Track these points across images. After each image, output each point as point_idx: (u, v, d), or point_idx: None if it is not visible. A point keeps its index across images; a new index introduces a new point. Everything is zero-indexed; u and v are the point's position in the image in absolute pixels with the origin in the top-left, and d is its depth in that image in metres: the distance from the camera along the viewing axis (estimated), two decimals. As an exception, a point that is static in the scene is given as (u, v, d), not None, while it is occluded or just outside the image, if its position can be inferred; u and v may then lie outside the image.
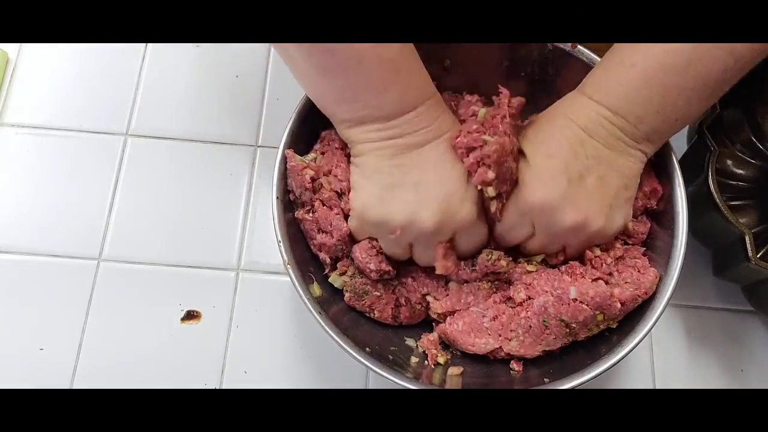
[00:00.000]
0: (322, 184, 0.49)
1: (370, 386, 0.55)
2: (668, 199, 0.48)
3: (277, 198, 0.48)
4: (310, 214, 0.49)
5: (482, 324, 0.48)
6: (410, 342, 0.51)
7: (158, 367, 0.55)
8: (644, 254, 0.49)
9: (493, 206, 0.46)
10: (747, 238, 0.48)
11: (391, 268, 0.48)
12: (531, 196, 0.44)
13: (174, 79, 0.65)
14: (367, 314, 0.50)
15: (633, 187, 0.47)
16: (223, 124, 0.63)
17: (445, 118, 0.45)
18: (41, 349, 0.55)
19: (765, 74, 0.57)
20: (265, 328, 0.56)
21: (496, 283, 0.49)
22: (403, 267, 0.50)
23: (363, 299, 0.49)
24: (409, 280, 0.50)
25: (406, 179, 0.44)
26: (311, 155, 0.50)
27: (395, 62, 0.42)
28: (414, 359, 0.49)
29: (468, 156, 0.44)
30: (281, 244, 0.47)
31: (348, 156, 0.48)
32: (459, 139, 0.45)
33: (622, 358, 0.44)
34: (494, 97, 0.49)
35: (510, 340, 0.48)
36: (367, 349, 0.46)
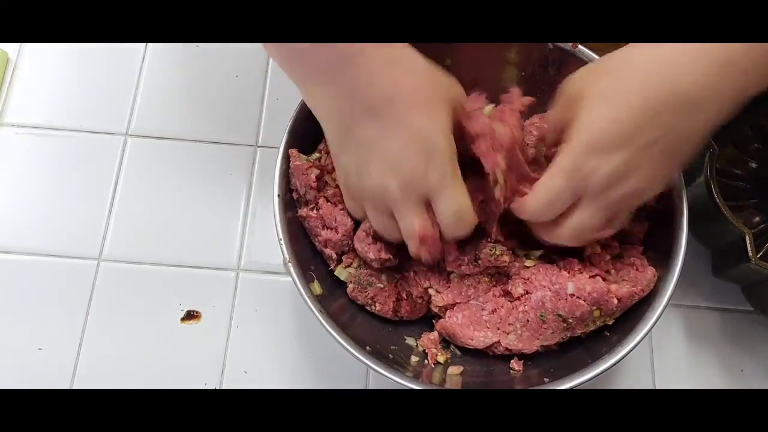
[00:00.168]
0: (326, 182, 0.49)
1: (370, 386, 0.55)
2: (668, 199, 0.48)
3: (278, 195, 0.48)
4: (315, 212, 0.49)
5: (481, 317, 0.49)
6: (410, 341, 0.51)
7: (158, 367, 0.55)
8: (643, 254, 0.49)
9: (498, 192, 0.45)
10: (747, 238, 0.48)
11: (390, 256, 0.48)
12: (582, 164, 0.40)
13: (174, 79, 0.65)
14: (369, 307, 0.50)
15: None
16: (223, 124, 0.63)
17: (400, 73, 0.42)
18: (40, 349, 0.55)
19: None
20: (265, 328, 0.56)
21: (496, 276, 0.50)
22: (406, 261, 0.50)
23: (366, 291, 0.49)
24: (412, 274, 0.51)
25: (374, 148, 0.42)
26: (315, 155, 0.50)
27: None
28: (414, 358, 0.49)
29: (479, 144, 0.44)
30: (282, 241, 0.47)
31: None
32: (468, 126, 0.44)
33: (622, 358, 0.44)
34: (503, 95, 0.49)
35: (508, 334, 0.48)
36: (367, 347, 0.46)
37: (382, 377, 0.44)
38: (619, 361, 0.44)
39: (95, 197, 0.60)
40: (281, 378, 0.55)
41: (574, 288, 0.46)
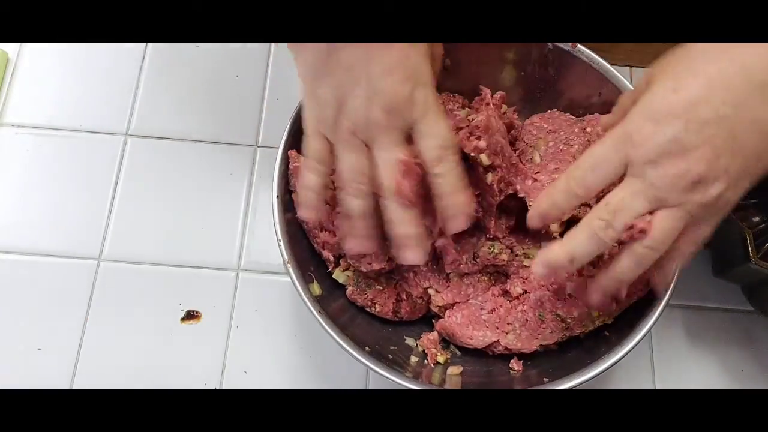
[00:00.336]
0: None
1: (370, 386, 0.55)
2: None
3: (278, 197, 0.48)
4: None
5: (480, 316, 0.49)
6: (410, 341, 0.51)
7: (158, 367, 0.55)
8: None
9: (489, 177, 0.46)
10: (747, 238, 0.48)
11: (383, 265, 0.48)
12: (633, 128, 0.37)
13: (174, 79, 0.65)
14: (368, 309, 0.50)
15: None
16: (223, 124, 0.63)
17: None
18: (39, 349, 0.55)
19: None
20: (265, 328, 0.56)
21: (494, 275, 0.50)
22: (405, 264, 0.50)
23: (365, 293, 0.50)
24: (411, 274, 0.51)
25: (350, 75, 0.40)
26: None
27: None
28: (414, 358, 0.49)
29: (458, 134, 0.45)
30: (281, 242, 0.47)
31: None
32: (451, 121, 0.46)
33: (622, 357, 0.44)
34: (477, 98, 0.51)
35: (507, 334, 0.48)
36: (367, 348, 0.46)
37: (381, 377, 0.44)
38: (618, 361, 0.44)
39: (95, 197, 0.60)
40: (281, 378, 0.55)
41: (573, 288, 0.46)
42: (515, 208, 0.49)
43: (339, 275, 0.50)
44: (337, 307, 0.49)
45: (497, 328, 0.48)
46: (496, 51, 0.54)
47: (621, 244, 0.39)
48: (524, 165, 0.50)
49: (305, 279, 0.47)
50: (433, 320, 0.52)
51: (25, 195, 0.60)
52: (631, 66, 0.66)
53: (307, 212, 0.45)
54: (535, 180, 0.49)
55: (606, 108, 0.52)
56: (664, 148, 0.36)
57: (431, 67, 0.42)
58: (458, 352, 0.51)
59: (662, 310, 0.45)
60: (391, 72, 0.39)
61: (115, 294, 0.57)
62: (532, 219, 0.42)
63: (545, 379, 0.45)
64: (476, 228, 0.50)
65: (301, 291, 0.46)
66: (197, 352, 0.55)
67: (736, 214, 0.50)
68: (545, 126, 0.53)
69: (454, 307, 0.50)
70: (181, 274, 0.58)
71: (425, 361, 0.49)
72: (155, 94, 0.64)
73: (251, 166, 0.62)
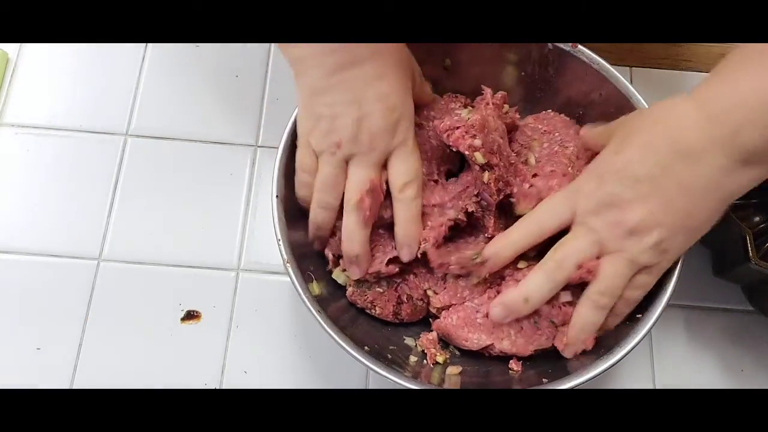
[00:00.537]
0: None
1: (370, 386, 0.55)
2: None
3: (277, 197, 0.48)
4: None
5: (475, 319, 0.49)
6: (409, 341, 0.51)
7: (158, 367, 0.55)
8: None
9: (486, 176, 0.46)
10: (747, 238, 0.48)
11: (379, 269, 0.48)
12: (581, 184, 0.44)
13: (174, 79, 0.65)
14: (368, 311, 0.50)
15: (699, 219, 0.42)
16: (223, 124, 0.63)
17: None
18: (38, 349, 0.55)
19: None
20: (265, 328, 0.56)
21: (490, 277, 0.49)
22: (406, 266, 0.50)
23: (365, 294, 0.50)
24: (411, 277, 0.51)
25: (346, 96, 0.44)
26: None
27: None
28: (413, 358, 0.49)
29: (454, 133, 0.46)
30: (281, 242, 0.47)
31: None
32: (443, 123, 0.46)
33: (622, 358, 0.44)
34: (478, 98, 0.51)
35: (502, 339, 0.48)
36: (366, 348, 0.46)
37: (381, 377, 0.44)
38: (619, 361, 0.44)
39: (95, 197, 0.60)
40: (281, 378, 0.55)
41: (570, 296, 0.46)
42: (511, 209, 0.49)
43: (338, 275, 0.50)
44: (336, 307, 0.49)
45: (492, 333, 0.48)
46: (496, 51, 0.54)
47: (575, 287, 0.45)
48: (522, 167, 0.50)
49: (305, 279, 0.47)
50: (430, 319, 0.52)
51: (25, 195, 0.60)
52: (631, 66, 0.66)
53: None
54: (532, 185, 0.48)
55: (606, 108, 0.52)
56: (603, 200, 0.43)
57: (412, 90, 0.47)
58: (457, 352, 0.50)
59: (662, 310, 0.45)
60: (383, 99, 0.44)
61: (115, 294, 0.57)
62: (492, 261, 0.47)
63: (544, 380, 0.45)
64: (474, 228, 0.50)
65: (301, 291, 0.46)
66: (197, 352, 0.55)
67: (736, 214, 0.50)
68: (540, 127, 0.53)
69: (450, 309, 0.50)
70: (181, 274, 0.58)
71: (424, 361, 0.49)
72: (155, 94, 0.64)
73: (251, 166, 0.62)
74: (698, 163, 0.40)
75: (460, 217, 0.48)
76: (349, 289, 0.50)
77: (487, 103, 0.48)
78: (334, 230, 0.49)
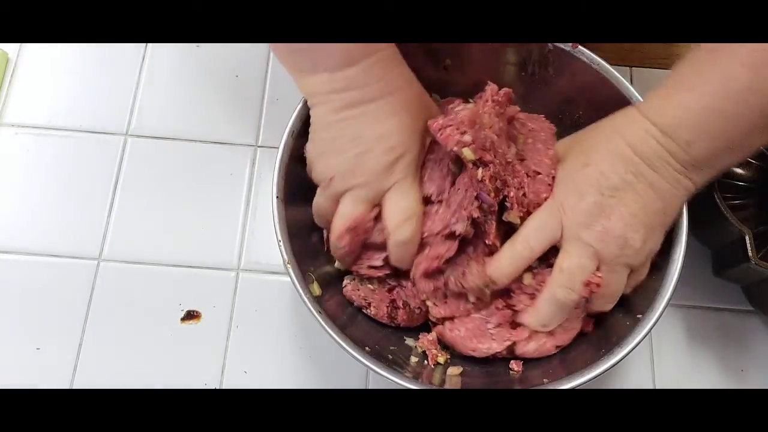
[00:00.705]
0: None
1: (370, 386, 0.55)
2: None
3: (278, 197, 0.48)
4: None
5: (486, 330, 0.48)
6: (409, 341, 0.51)
7: (158, 367, 0.55)
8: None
9: (479, 173, 0.44)
10: (747, 238, 0.48)
11: (374, 264, 0.49)
12: (562, 199, 0.45)
13: (174, 79, 0.65)
14: (364, 310, 0.50)
15: (671, 214, 0.45)
16: (223, 124, 0.63)
17: (392, 78, 0.45)
18: (38, 349, 0.55)
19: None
20: (265, 328, 0.56)
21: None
22: (399, 271, 0.50)
23: (359, 290, 0.50)
24: (410, 284, 0.50)
25: (349, 133, 0.45)
26: None
27: None
28: (413, 359, 0.49)
29: (444, 131, 0.44)
30: (281, 242, 0.47)
31: None
32: (436, 123, 0.45)
33: (622, 358, 0.44)
34: (480, 94, 0.49)
35: (528, 342, 0.48)
36: (367, 348, 0.46)
37: (381, 377, 0.44)
38: (619, 361, 0.44)
39: (95, 197, 0.60)
40: (281, 378, 0.55)
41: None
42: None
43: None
44: (337, 307, 0.49)
45: (505, 341, 0.48)
46: (496, 51, 0.54)
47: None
48: (519, 167, 0.48)
49: (305, 279, 0.47)
50: (430, 323, 0.52)
51: (25, 195, 0.60)
52: (631, 66, 0.66)
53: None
54: (525, 194, 0.47)
55: (606, 108, 0.52)
56: (589, 211, 0.44)
57: (422, 141, 0.47)
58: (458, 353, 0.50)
59: (662, 310, 0.45)
60: (383, 139, 0.45)
61: (115, 294, 0.57)
62: (492, 288, 0.47)
63: (545, 380, 0.45)
64: (473, 236, 0.48)
65: (301, 291, 0.46)
66: (197, 352, 0.55)
67: (736, 214, 0.50)
68: (528, 124, 0.52)
69: (455, 321, 0.49)
70: (181, 274, 0.58)
71: (425, 361, 0.49)
72: (155, 94, 0.64)
73: (251, 166, 0.62)
74: (660, 169, 0.43)
75: (468, 229, 0.46)
76: (347, 286, 0.50)
77: (486, 101, 0.47)
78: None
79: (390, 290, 0.50)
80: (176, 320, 0.56)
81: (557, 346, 0.49)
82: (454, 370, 0.49)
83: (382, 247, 0.48)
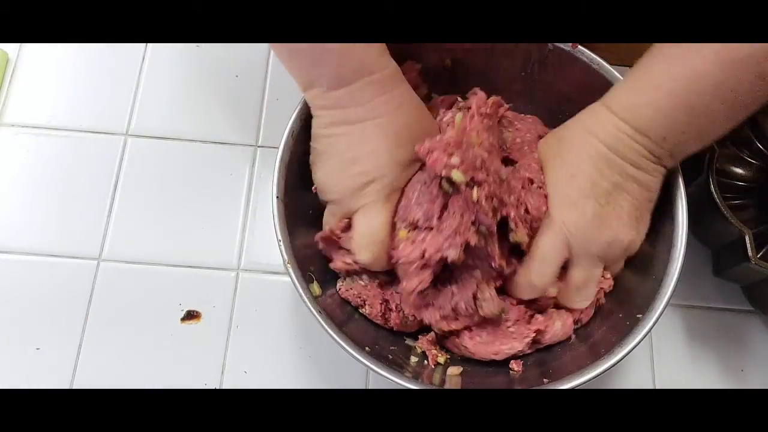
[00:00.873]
0: None
1: (370, 386, 0.55)
2: (668, 199, 0.48)
3: (278, 197, 0.48)
4: None
5: (507, 329, 0.48)
6: (409, 341, 0.51)
7: (158, 367, 0.55)
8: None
9: (474, 194, 0.42)
10: (747, 238, 0.48)
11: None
12: (563, 218, 0.46)
13: (174, 79, 0.65)
14: (360, 309, 0.50)
15: (655, 198, 0.48)
16: (223, 124, 0.63)
17: (379, 103, 0.45)
18: (38, 349, 0.55)
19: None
20: (265, 328, 0.56)
21: (501, 296, 0.49)
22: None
23: (351, 288, 0.50)
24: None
25: (332, 149, 0.46)
26: None
27: (323, 47, 0.43)
28: (413, 359, 0.49)
29: (432, 156, 0.42)
30: (281, 242, 0.47)
31: None
32: (422, 147, 0.43)
33: (622, 358, 0.44)
34: (465, 100, 0.49)
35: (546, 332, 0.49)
36: (367, 348, 0.46)
37: (381, 377, 0.44)
38: (619, 361, 0.44)
39: (95, 197, 0.60)
40: (281, 378, 0.55)
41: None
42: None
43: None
44: (336, 307, 0.49)
45: (525, 338, 0.48)
46: (496, 51, 0.54)
47: None
48: (515, 183, 0.46)
49: (305, 279, 0.47)
50: (435, 332, 0.51)
51: (25, 195, 0.60)
52: (631, 66, 0.66)
53: None
54: (527, 209, 0.46)
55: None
56: (592, 224, 0.45)
57: (404, 168, 0.47)
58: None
59: (662, 310, 0.45)
60: (357, 163, 0.45)
61: (115, 294, 0.57)
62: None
63: (545, 380, 0.45)
64: (477, 259, 0.46)
65: (301, 291, 0.46)
66: (197, 352, 0.55)
67: (736, 214, 0.50)
68: (516, 123, 0.52)
69: (473, 329, 0.49)
70: (181, 274, 0.58)
71: (425, 361, 0.49)
72: (155, 94, 0.64)
73: (251, 166, 0.62)
74: (642, 165, 0.45)
75: (461, 255, 0.44)
76: (341, 285, 0.50)
77: (472, 116, 0.45)
78: None
79: (381, 285, 0.50)
80: (176, 320, 0.56)
81: (577, 320, 0.50)
82: (454, 370, 0.49)
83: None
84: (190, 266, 0.58)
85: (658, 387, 0.56)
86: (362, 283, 0.50)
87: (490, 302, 0.46)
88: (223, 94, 0.65)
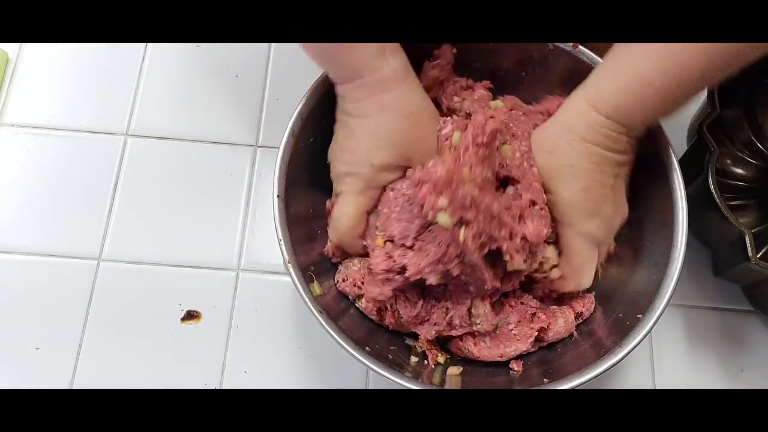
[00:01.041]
0: None
1: (370, 386, 0.55)
2: (668, 199, 0.48)
3: (278, 197, 0.48)
4: None
5: (510, 332, 0.49)
6: (409, 341, 0.51)
7: (158, 367, 0.55)
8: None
9: (461, 234, 0.41)
10: (747, 238, 0.48)
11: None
12: (588, 229, 0.48)
13: (174, 79, 0.65)
14: (356, 302, 0.50)
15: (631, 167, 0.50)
16: (223, 124, 0.63)
17: (367, 104, 0.47)
18: (37, 349, 0.55)
19: (765, 74, 0.57)
20: (265, 328, 0.56)
21: (498, 304, 0.49)
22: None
23: (347, 278, 0.50)
24: (403, 297, 0.48)
25: (338, 132, 0.50)
26: None
27: (324, 47, 0.46)
28: (413, 358, 0.49)
29: (422, 189, 0.41)
30: (281, 242, 0.47)
31: None
32: (414, 176, 0.42)
33: (622, 358, 0.44)
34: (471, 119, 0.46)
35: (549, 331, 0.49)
36: (367, 348, 0.46)
37: (381, 377, 0.44)
38: (619, 361, 0.44)
39: (95, 197, 0.60)
40: (281, 378, 0.55)
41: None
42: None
43: None
44: (337, 307, 0.49)
45: (528, 338, 0.48)
46: (496, 51, 0.54)
47: None
48: (508, 219, 0.44)
49: (305, 279, 0.47)
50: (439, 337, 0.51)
51: (25, 195, 0.60)
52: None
53: None
54: (524, 237, 0.45)
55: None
56: (610, 221, 0.49)
57: (386, 171, 0.48)
58: (458, 353, 0.50)
59: (662, 310, 0.45)
60: (345, 153, 0.49)
61: (115, 294, 0.57)
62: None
63: (545, 380, 0.45)
64: (470, 276, 0.46)
65: (301, 291, 0.46)
66: (197, 352, 0.55)
67: (736, 215, 0.50)
68: (511, 127, 0.49)
69: (477, 336, 0.49)
70: (181, 274, 0.58)
71: (425, 361, 0.49)
72: (155, 94, 0.64)
73: (251, 166, 0.62)
74: (627, 152, 0.47)
75: (440, 281, 0.44)
76: (337, 276, 0.51)
77: (466, 148, 0.42)
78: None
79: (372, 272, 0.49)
80: (176, 320, 0.56)
81: (578, 314, 0.50)
82: (454, 370, 0.49)
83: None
84: (190, 266, 0.58)
85: (658, 387, 0.56)
86: (355, 268, 0.50)
87: (484, 319, 0.47)
88: (223, 94, 0.65)
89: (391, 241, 0.46)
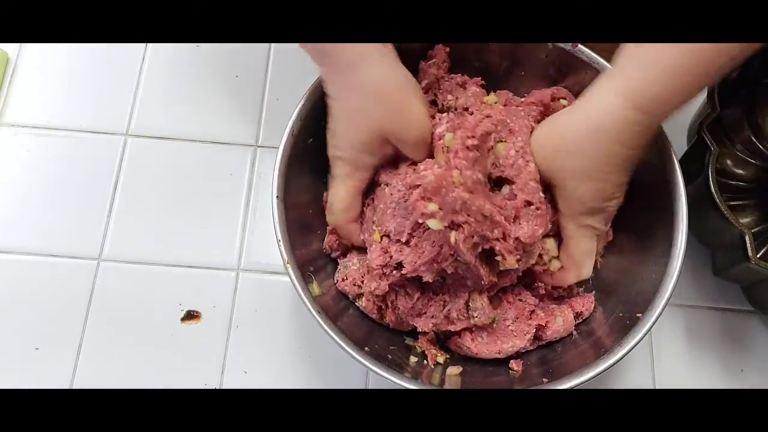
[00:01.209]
0: None
1: (370, 386, 0.55)
2: (668, 198, 0.48)
3: (278, 197, 0.48)
4: None
5: (507, 327, 0.49)
6: (409, 341, 0.51)
7: (158, 367, 0.55)
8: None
9: (452, 237, 0.41)
10: (747, 238, 0.48)
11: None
12: (593, 223, 0.48)
13: (174, 79, 0.65)
14: (356, 302, 0.50)
15: None
16: (223, 124, 0.63)
17: (337, 86, 0.47)
18: (37, 349, 0.55)
19: (765, 74, 0.57)
20: (265, 328, 0.56)
21: (496, 299, 0.49)
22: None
23: (346, 277, 0.50)
24: (402, 291, 0.49)
25: (328, 117, 0.49)
26: None
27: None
28: (413, 359, 0.49)
29: (413, 194, 0.41)
30: (281, 242, 0.47)
31: None
32: (407, 178, 0.42)
33: (622, 357, 0.44)
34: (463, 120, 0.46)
35: (547, 327, 0.49)
36: (366, 348, 0.46)
37: (381, 377, 0.44)
38: (618, 360, 0.44)
39: (95, 197, 0.60)
40: (281, 378, 0.55)
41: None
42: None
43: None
44: (336, 307, 0.49)
45: (526, 334, 0.48)
46: (496, 51, 0.54)
47: None
48: (502, 219, 0.44)
49: (305, 279, 0.47)
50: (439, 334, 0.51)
51: (25, 195, 0.60)
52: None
53: None
54: (517, 238, 0.45)
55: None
56: (613, 212, 0.49)
57: (369, 155, 0.49)
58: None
59: (662, 310, 0.45)
60: (333, 136, 0.49)
61: (115, 294, 0.57)
62: None
63: (545, 380, 0.45)
64: (468, 271, 0.45)
65: (301, 291, 0.46)
66: (197, 352, 0.55)
67: (735, 214, 0.50)
68: (507, 122, 0.49)
69: (474, 330, 0.49)
70: (181, 274, 0.58)
71: (425, 361, 0.49)
72: (155, 94, 0.64)
73: (251, 166, 0.62)
74: (641, 147, 0.46)
75: (435, 279, 0.45)
76: (337, 276, 0.51)
77: (456, 152, 0.42)
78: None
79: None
80: (176, 320, 0.56)
81: (578, 314, 0.50)
82: (453, 370, 0.49)
83: None
84: (190, 266, 0.58)
85: (658, 387, 0.56)
86: (354, 268, 0.50)
87: (481, 312, 0.47)
88: (223, 94, 0.65)
89: (388, 236, 0.47)
